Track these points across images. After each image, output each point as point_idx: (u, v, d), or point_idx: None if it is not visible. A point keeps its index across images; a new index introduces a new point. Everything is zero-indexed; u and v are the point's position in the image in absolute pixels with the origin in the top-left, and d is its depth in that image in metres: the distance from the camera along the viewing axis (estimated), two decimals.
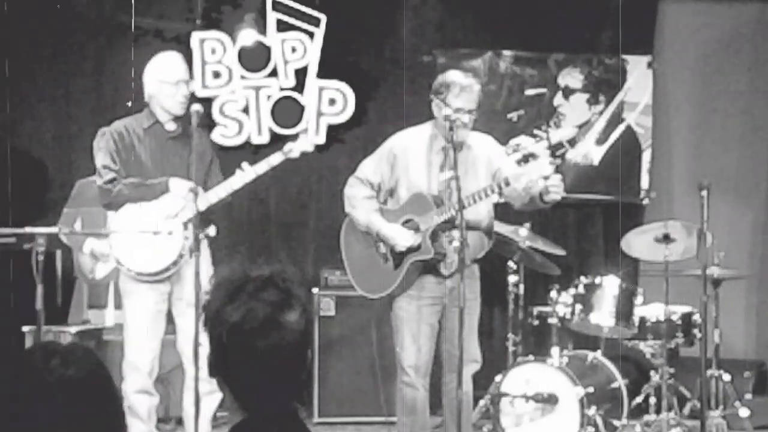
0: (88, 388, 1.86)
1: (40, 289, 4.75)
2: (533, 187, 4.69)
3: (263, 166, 5.11)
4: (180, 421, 6.10)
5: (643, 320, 5.98)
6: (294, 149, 5.21)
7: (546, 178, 4.62)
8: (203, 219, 5.05)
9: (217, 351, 2.06)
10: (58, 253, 6.33)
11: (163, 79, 5.10)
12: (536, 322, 6.35)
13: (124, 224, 5.11)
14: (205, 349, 2.12)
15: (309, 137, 5.33)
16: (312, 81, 7.15)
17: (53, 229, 5.28)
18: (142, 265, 5.09)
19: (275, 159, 5.15)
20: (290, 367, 2.04)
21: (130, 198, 5.11)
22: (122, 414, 1.96)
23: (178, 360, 5.30)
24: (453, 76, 5.00)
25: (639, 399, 6.09)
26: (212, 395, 4.88)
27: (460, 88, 4.90)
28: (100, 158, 5.23)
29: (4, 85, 7.01)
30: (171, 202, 5.06)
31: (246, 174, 5.08)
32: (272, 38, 7.14)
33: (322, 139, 7.01)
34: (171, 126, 5.14)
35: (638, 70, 7.47)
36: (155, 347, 5.13)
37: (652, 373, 6.08)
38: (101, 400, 1.88)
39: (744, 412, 6.10)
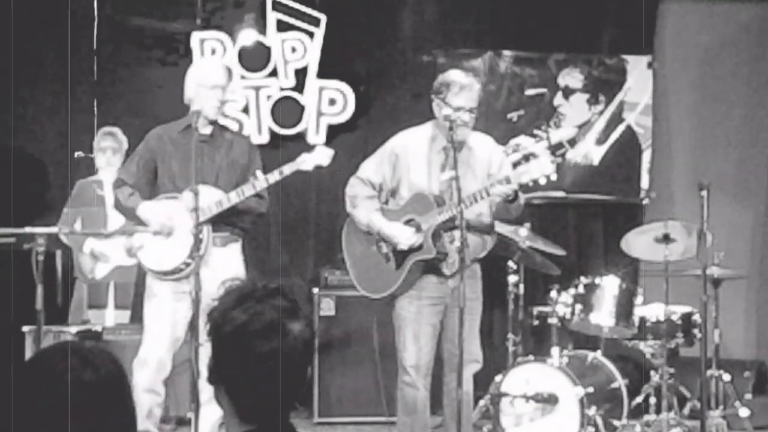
0: (101, 392, 1.86)
1: (40, 289, 4.76)
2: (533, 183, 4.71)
3: (275, 176, 5.13)
4: (180, 421, 6.10)
5: (643, 320, 5.98)
6: (307, 161, 5.21)
7: (548, 176, 4.63)
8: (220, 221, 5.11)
9: (219, 353, 2.06)
10: (58, 253, 6.32)
11: (200, 83, 5.12)
12: (536, 322, 6.35)
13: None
14: (206, 352, 2.12)
15: (325, 151, 5.29)
16: (312, 81, 7.16)
17: (53, 229, 5.28)
18: (155, 263, 5.15)
19: (288, 169, 5.15)
20: (289, 378, 2.04)
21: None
22: (133, 420, 1.96)
23: (181, 359, 5.30)
24: (453, 75, 5.00)
25: (639, 399, 6.08)
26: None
27: (460, 87, 4.91)
28: (127, 160, 5.37)
29: (4, 86, 7.01)
30: (183, 204, 5.07)
31: (258, 182, 5.10)
32: (272, 38, 7.15)
33: (322, 139, 7.02)
34: (205, 130, 5.15)
35: (638, 70, 7.48)
36: (167, 345, 5.13)
37: (652, 373, 6.08)
38: (112, 406, 1.89)
39: (744, 412, 6.10)
